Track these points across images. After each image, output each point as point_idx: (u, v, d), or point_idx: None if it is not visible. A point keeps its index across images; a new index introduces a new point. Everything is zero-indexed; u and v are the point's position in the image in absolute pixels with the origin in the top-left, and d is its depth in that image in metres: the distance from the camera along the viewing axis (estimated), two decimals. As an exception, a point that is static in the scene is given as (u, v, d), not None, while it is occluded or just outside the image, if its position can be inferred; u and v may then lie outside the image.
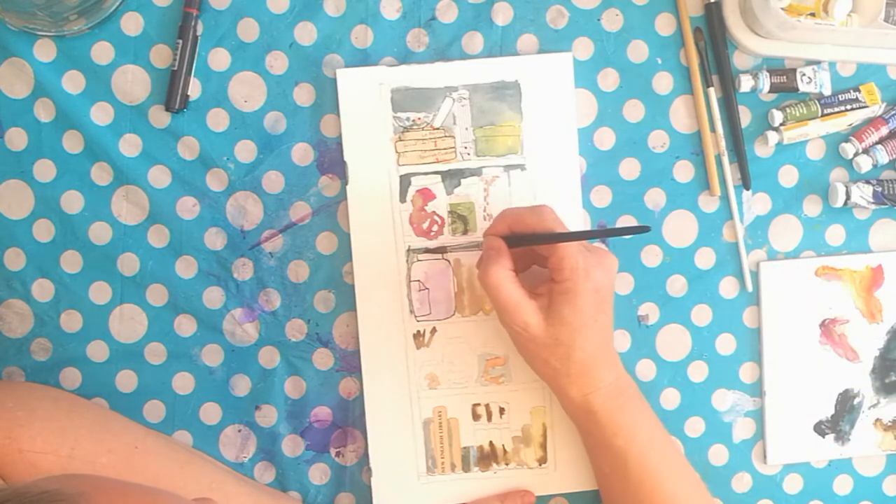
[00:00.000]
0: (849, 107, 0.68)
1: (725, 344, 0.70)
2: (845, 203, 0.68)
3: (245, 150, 0.68)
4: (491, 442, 0.69)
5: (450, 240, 0.68)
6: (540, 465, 0.69)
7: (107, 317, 0.68)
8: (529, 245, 0.62)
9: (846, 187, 0.68)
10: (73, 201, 0.67)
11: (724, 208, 0.69)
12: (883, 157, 0.68)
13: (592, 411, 0.62)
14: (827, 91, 0.69)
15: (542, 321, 0.60)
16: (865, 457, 0.71)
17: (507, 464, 0.69)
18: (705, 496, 0.66)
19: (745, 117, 0.69)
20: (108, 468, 0.59)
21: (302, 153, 0.68)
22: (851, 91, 0.69)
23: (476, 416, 0.69)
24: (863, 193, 0.68)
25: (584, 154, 0.68)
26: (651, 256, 0.69)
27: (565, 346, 0.60)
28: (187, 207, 0.68)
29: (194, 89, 0.67)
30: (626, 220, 0.69)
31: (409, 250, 0.68)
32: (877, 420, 0.70)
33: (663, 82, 0.68)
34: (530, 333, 0.60)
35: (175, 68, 0.66)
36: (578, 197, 0.68)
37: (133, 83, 0.67)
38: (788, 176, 0.69)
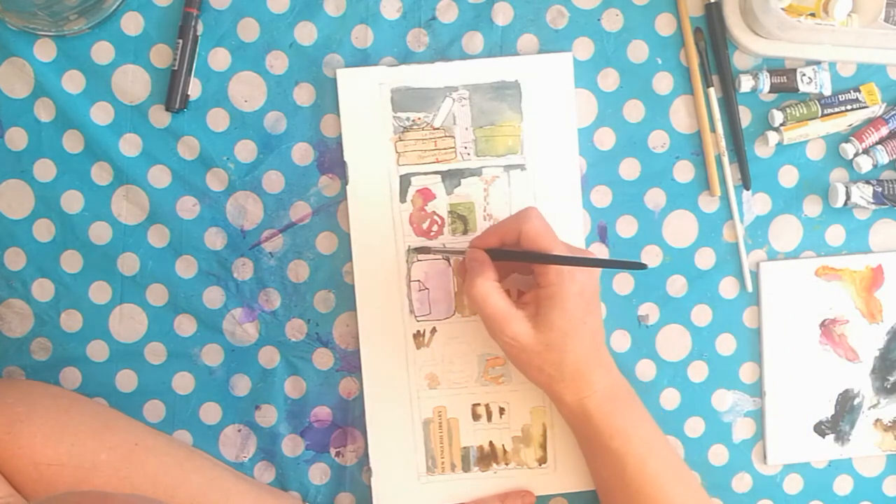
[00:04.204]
0: (849, 107, 0.68)
1: (725, 344, 0.70)
2: (845, 203, 0.68)
3: (245, 150, 0.68)
4: (491, 442, 0.69)
5: (450, 240, 0.68)
6: (540, 465, 0.69)
7: (107, 317, 0.68)
8: (514, 260, 0.62)
9: (846, 187, 0.68)
10: (73, 201, 0.67)
11: (724, 208, 0.69)
12: (883, 157, 0.68)
13: (588, 415, 0.62)
14: (827, 91, 0.69)
15: (531, 329, 0.59)
16: (865, 457, 0.71)
17: (506, 464, 0.69)
18: (703, 498, 0.66)
19: (745, 117, 0.69)
20: (107, 465, 0.60)
21: (302, 153, 0.68)
22: (851, 91, 0.69)
23: (476, 416, 0.69)
24: (863, 193, 0.68)
25: (584, 154, 0.68)
26: (651, 256, 0.69)
27: (557, 352, 0.60)
28: (187, 207, 0.68)
29: (194, 89, 0.67)
30: (627, 221, 0.69)
31: (409, 250, 0.68)
32: (877, 420, 0.70)
33: (663, 82, 0.68)
34: (521, 343, 0.60)
35: (175, 68, 0.66)
36: (578, 197, 0.68)
37: (133, 83, 0.67)
38: (788, 176, 0.69)
